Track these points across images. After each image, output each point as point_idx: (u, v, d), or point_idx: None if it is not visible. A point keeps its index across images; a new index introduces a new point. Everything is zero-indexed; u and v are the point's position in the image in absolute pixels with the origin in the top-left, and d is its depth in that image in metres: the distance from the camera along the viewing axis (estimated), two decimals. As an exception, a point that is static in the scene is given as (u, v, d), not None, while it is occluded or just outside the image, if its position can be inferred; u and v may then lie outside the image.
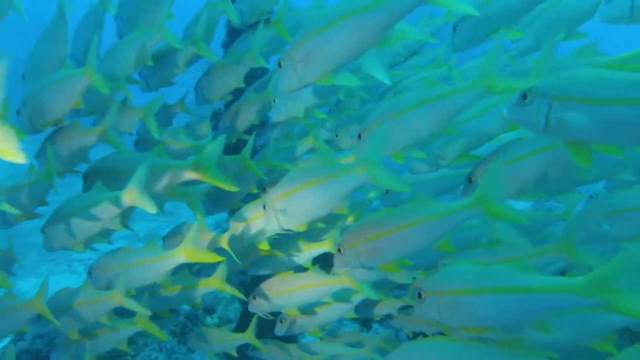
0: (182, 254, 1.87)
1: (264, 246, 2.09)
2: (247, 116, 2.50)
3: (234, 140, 2.55)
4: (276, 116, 2.29)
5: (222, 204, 2.37)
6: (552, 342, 1.33)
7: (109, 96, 2.02)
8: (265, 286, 2.18)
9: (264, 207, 1.82)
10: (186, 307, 3.57)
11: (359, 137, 1.78)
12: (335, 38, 1.53)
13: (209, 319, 3.73)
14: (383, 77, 1.76)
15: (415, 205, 1.54)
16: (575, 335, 1.40)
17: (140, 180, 1.74)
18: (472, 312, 1.33)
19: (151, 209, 1.75)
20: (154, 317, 1.97)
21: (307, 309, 2.22)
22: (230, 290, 2.03)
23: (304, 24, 1.60)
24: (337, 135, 2.45)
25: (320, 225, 2.00)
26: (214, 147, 1.91)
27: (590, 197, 1.89)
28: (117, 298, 1.83)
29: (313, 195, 1.70)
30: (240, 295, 2.06)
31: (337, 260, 1.70)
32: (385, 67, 2.44)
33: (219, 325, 3.67)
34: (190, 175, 1.91)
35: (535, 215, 2.15)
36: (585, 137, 1.24)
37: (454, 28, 1.96)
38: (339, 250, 1.69)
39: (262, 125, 2.71)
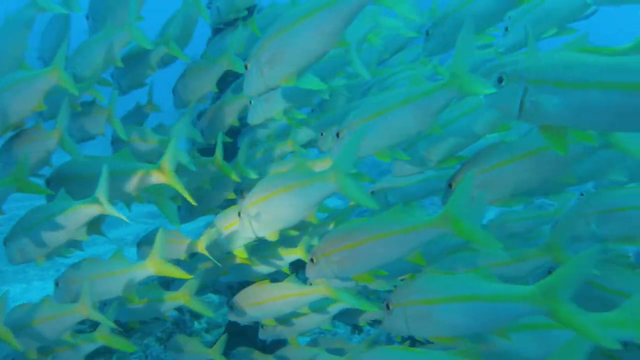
0: (150, 267, 1.79)
1: (242, 254, 2.02)
2: (225, 118, 2.41)
3: (212, 142, 2.46)
4: (252, 118, 2.20)
5: (199, 209, 2.28)
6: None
7: (74, 97, 1.92)
8: (242, 296, 2.11)
9: (239, 214, 1.75)
10: (173, 312, 3.50)
11: (337, 136, 1.73)
12: (298, 38, 1.52)
13: (196, 324, 3.64)
14: (363, 72, 1.79)
15: (389, 216, 1.51)
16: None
17: (105, 187, 1.66)
18: (437, 321, 1.36)
19: (121, 216, 1.67)
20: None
21: (288, 317, 2.14)
22: (198, 307, 1.96)
23: (270, 25, 1.60)
24: (322, 134, 2.36)
25: (293, 233, 1.91)
26: (176, 148, 1.82)
27: (582, 194, 1.89)
28: (84, 309, 1.74)
29: (285, 203, 1.67)
30: (208, 313, 2.00)
31: (309, 270, 1.65)
32: (368, 62, 2.40)
33: (207, 331, 3.59)
34: (157, 179, 1.83)
35: (526, 215, 2.13)
36: (560, 121, 1.23)
37: (427, 32, 1.93)
38: (311, 260, 1.64)
39: (244, 126, 2.62)
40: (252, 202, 1.72)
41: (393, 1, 1.45)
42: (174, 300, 1.98)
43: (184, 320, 3.52)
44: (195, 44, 2.48)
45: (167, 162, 1.81)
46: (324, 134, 2.35)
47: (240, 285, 2.51)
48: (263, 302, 2.03)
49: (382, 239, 1.48)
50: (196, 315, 3.69)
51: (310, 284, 1.98)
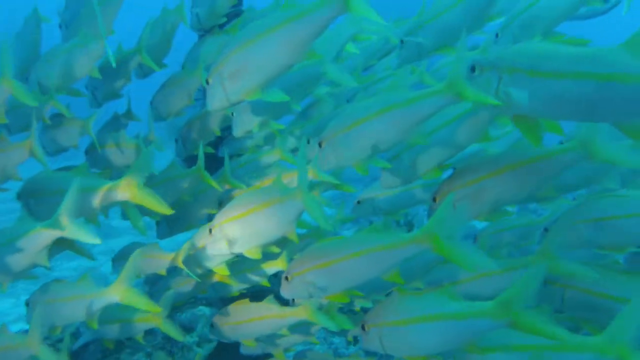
0: (114, 294, 1.70)
1: (223, 271, 1.95)
2: (207, 127, 2.34)
3: (195, 153, 2.39)
4: (236, 131, 2.12)
5: (179, 225, 2.20)
6: None
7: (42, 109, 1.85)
8: (222, 315, 2.06)
9: (210, 230, 1.69)
10: (164, 326, 3.42)
11: (319, 145, 1.67)
12: (262, 51, 1.50)
13: (188, 338, 3.56)
14: (343, 80, 1.78)
15: (366, 234, 1.49)
16: None
17: (69, 207, 1.57)
18: (409, 341, 1.40)
19: (89, 238, 1.59)
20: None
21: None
22: (170, 330, 1.90)
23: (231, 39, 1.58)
24: (308, 142, 2.29)
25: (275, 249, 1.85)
26: (144, 162, 1.73)
27: (574, 199, 1.88)
28: (32, 345, 1.62)
29: (262, 220, 1.64)
30: (179, 337, 1.93)
31: (284, 289, 1.60)
32: (353, 69, 2.33)
33: (198, 344, 3.52)
34: (122, 195, 1.74)
35: (520, 222, 2.13)
36: (534, 111, 1.23)
37: (401, 42, 1.90)
38: (286, 278, 1.57)
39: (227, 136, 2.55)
40: (226, 219, 1.66)
41: (362, 10, 1.41)
42: (145, 322, 1.90)
43: (175, 334, 3.45)
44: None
45: (132, 178, 1.73)
46: (310, 142, 2.28)
47: (233, 298, 2.45)
48: (242, 322, 1.97)
49: (359, 257, 1.44)
50: (188, 329, 3.62)
51: (293, 301, 1.92)
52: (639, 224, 1.53)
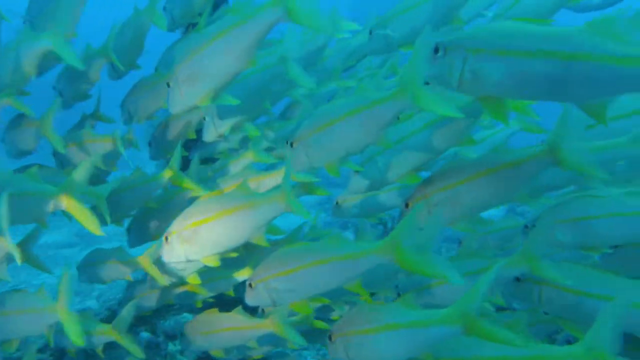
0: (58, 312, 1.64)
1: (194, 280, 1.92)
2: (181, 130, 2.26)
3: (168, 156, 2.31)
4: (206, 135, 2.05)
5: (148, 233, 2.12)
6: None
7: None
8: (192, 325, 2.00)
9: (165, 238, 1.63)
10: (146, 334, 3.35)
11: (291, 146, 1.65)
12: (211, 57, 1.54)
13: (171, 346, 3.48)
14: (305, 81, 1.77)
15: (330, 242, 1.47)
16: None
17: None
18: (372, 350, 1.40)
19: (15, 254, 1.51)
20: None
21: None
22: (128, 345, 1.85)
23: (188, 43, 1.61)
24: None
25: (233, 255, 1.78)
26: (81, 171, 1.66)
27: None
28: None
29: (228, 226, 1.61)
30: (139, 353, 1.87)
31: (248, 296, 1.56)
32: (332, 70, 2.33)
33: (182, 352, 3.44)
34: (59, 204, 1.65)
35: (505, 225, 2.12)
36: (500, 91, 1.21)
37: (370, 32, 1.89)
38: (249, 285, 1.53)
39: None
40: (185, 226, 1.61)
41: (304, 17, 1.44)
42: (104, 334, 1.84)
43: (157, 342, 3.37)
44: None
45: (69, 187, 1.65)
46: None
47: (217, 302, 2.38)
48: (211, 332, 1.92)
49: (322, 265, 1.43)
50: (171, 336, 3.54)
51: (263, 311, 1.85)
52: (615, 224, 1.53)
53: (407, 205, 1.61)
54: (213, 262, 1.63)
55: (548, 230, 1.55)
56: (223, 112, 1.98)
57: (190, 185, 1.95)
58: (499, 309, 1.76)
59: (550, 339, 1.77)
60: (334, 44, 2.40)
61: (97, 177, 2.09)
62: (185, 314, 3.52)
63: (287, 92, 2.14)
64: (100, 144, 2.03)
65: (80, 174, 1.65)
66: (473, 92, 1.25)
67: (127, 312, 1.82)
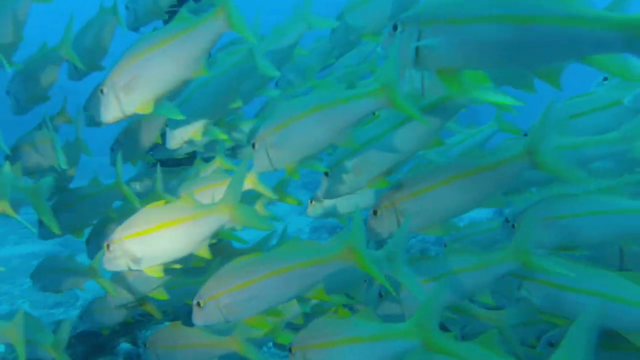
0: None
1: (160, 295, 1.88)
2: (146, 134, 2.14)
3: (133, 163, 2.23)
4: (170, 142, 1.93)
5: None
6: None
7: None
8: (156, 336, 1.89)
9: (107, 246, 1.56)
10: (126, 345, 3.25)
11: (253, 146, 1.57)
12: (154, 64, 1.50)
13: (153, 358, 3.38)
14: (271, 71, 1.70)
15: (285, 250, 1.41)
16: None
17: None
18: None
19: None
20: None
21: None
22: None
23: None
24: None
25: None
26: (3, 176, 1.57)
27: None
28: None
29: (171, 237, 1.52)
30: None
31: (196, 316, 1.45)
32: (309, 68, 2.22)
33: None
34: None
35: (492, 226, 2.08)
36: (456, 61, 1.18)
37: (332, 30, 1.91)
38: (198, 304, 1.43)
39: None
40: (129, 234, 1.52)
41: (237, 26, 1.46)
42: (46, 349, 1.73)
43: (138, 353, 3.27)
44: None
45: None
46: None
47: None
48: (174, 347, 1.81)
49: (276, 275, 1.37)
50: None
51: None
52: (591, 223, 1.50)
53: (375, 212, 1.54)
54: (156, 273, 1.55)
55: (534, 226, 1.47)
56: (186, 117, 1.82)
57: (131, 198, 1.87)
58: (489, 308, 1.69)
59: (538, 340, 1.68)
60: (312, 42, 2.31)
61: (59, 183, 2.00)
62: (167, 323, 3.41)
63: (261, 91, 2.05)
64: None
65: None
66: (431, 66, 1.22)
67: (62, 332, 1.72)
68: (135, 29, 2.23)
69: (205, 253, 1.51)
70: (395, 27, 1.22)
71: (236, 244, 1.95)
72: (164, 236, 1.50)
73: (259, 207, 1.88)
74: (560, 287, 1.47)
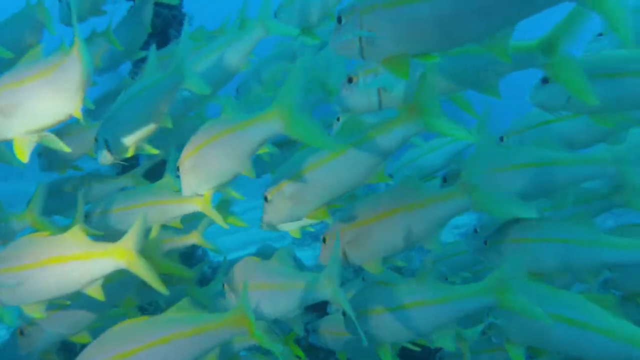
0: None
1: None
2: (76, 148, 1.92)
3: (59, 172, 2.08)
4: (101, 159, 1.74)
5: None
6: None
7: None
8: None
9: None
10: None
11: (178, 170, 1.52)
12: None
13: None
14: (200, 88, 1.59)
15: (174, 314, 1.28)
16: None
17: None
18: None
19: None
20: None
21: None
22: None
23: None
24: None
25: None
26: None
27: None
28: None
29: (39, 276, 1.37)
30: None
31: None
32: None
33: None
34: None
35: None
36: (397, 45, 1.12)
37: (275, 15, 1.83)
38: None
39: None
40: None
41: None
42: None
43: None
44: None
45: None
46: None
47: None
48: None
49: (162, 345, 1.22)
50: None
51: None
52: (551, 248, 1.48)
53: (324, 240, 1.50)
54: (36, 314, 1.41)
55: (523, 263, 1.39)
56: (119, 132, 1.68)
57: (48, 230, 1.65)
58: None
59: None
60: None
61: None
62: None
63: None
64: None
65: None
66: (376, 55, 1.15)
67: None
68: (67, 24, 2.02)
69: (97, 294, 1.35)
70: (339, 20, 1.16)
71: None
72: (37, 275, 1.35)
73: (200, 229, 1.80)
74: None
